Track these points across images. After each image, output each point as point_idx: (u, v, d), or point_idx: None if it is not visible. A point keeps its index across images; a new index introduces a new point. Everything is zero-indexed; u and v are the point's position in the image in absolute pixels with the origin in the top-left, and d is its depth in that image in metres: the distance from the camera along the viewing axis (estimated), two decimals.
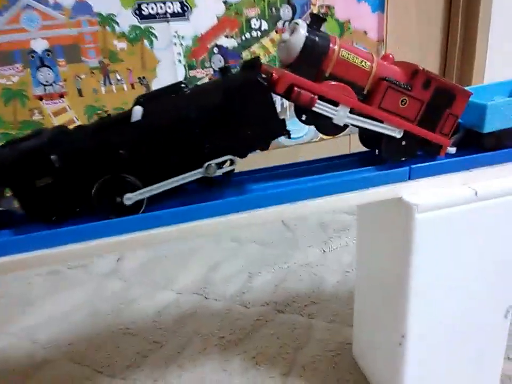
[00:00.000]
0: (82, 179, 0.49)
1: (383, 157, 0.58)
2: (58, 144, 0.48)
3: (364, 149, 0.63)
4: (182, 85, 0.51)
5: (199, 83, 1.34)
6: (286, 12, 1.38)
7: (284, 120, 0.53)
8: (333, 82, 0.52)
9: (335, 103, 0.52)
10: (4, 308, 1.11)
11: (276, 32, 1.39)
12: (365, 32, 1.51)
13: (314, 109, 0.52)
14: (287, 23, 1.39)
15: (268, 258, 1.21)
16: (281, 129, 0.52)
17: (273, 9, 1.36)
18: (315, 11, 1.41)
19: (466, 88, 0.57)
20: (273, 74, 0.51)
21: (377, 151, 0.63)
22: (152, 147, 0.49)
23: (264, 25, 1.37)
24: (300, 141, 1.46)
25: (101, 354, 0.93)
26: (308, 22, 0.52)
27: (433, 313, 0.63)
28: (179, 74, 1.32)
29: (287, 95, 0.51)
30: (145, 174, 0.50)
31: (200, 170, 0.50)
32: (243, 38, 1.36)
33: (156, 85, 1.30)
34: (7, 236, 0.50)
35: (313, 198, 0.55)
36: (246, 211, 0.53)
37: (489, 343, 0.70)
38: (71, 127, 0.53)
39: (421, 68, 0.53)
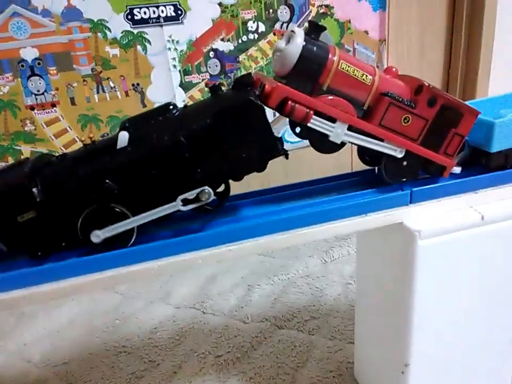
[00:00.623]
0: (67, 211, 0.46)
1: (383, 177, 0.54)
2: (40, 176, 0.45)
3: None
4: (171, 107, 0.48)
5: (189, 103, 1.31)
6: (283, 13, 1.33)
7: (280, 139, 0.50)
8: (331, 97, 0.48)
9: (332, 119, 0.49)
10: None
11: (274, 34, 1.35)
12: (366, 32, 1.47)
13: (309, 125, 0.48)
14: (285, 25, 1.35)
15: (267, 269, 1.18)
16: (278, 150, 0.49)
17: (271, 10, 1.31)
18: (314, 11, 1.36)
19: (473, 105, 0.54)
20: (266, 86, 0.47)
21: (376, 169, 0.60)
22: (140, 175, 0.46)
23: (262, 27, 1.32)
24: (299, 145, 1.42)
25: (95, 375, 0.91)
26: (306, 30, 0.49)
27: (437, 341, 0.60)
28: (174, 80, 1.28)
29: (280, 109, 0.47)
30: (134, 202, 0.47)
31: (179, 201, 0.47)
32: (240, 41, 1.31)
33: (150, 92, 1.26)
34: None
35: (307, 226, 0.51)
36: (237, 242, 0.50)
37: (494, 370, 0.66)
38: (56, 154, 0.50)
39: (426, 84, 0.50)
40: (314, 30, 0.48)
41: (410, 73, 1.60)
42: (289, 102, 0.46)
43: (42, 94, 1.17)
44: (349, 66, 0.48)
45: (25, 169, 0.45)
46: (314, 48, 0.47)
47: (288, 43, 0.47)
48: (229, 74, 1.34)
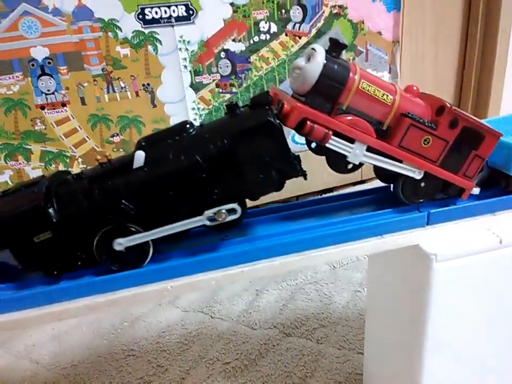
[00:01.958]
0: (83, 231, 0.46)
1: (400, 197, 0.53)
2: (56, 197, 0.45)
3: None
4: (187, 126, 0.47)
5: (199, 103, 1.29)
6: (296, 13, 1.31)
7: (298, 158, 0.49)
8: (350, 117, 0.47)
9: (351, 139, 0.48)
10: None
11: (286, 34, 1.33)
12: (379, 33, 1.44)
13: (328, 145, 0.47)
14: (297, 25, 1.33)
15: (276, 274, 1.17)
16: (296, 170, 0.48)
17: (283, 11, 1.29)
18: (327, 12, 1.34)
19: (491, 123, 0.52)
20: (285, 105, 0.46)
21: (392, 187, 0.59)
22: (156, 195, 0.46)
23: (274, 28, 1.31)
24: None
25: (103, 378, 0.91)
26: (326, 48, 0.47)
27: (451, 363, 0.59)
28: (185, 81, 1.27)
29: (299, 128, 0.46)
30: (150, 223, 0.46)
31: (205, 217, 0.46)
32: (251, 41, 1.30)
33: (161, 92, 1.26)
34: (4, 291, 0.47)
35: (322, 247, 0.51)
36: (250, 263, 0.50)
37: None
38: (73, 171, 0.49)
39: (448, 105, 0.48)
40: (335, 47, 0.46)
41: (423, 74, 1.58)
42: (308, 123, 0.45)
43: (53, 93, 1.17)
44: (370, 86, 0.47)
45: (41, 189, 0.45)
46: (335, 67, 0.46)
47: (308, 61, 0.45)
48: (239, 75, 1.33)
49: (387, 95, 0.47)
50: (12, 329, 0.48)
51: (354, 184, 1.62)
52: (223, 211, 0.46)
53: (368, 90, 0.46)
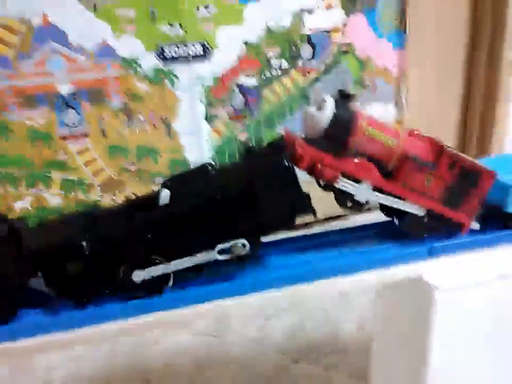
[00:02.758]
0: (111, 262, 0.50)
1: (404, 232, 0.57)
2: (89, 231, 0.49)
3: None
4: (209, 167, 0.52)
5: (213, 135, 1.35)
6: (306, 50, 1.38)
7: (309, 198, 0.53)
8: (357, 160, 0.52)
9: (358, 180, 0.52)
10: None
11: (296, 70, 1.40)
12: (385, 68, 1.51)
13: (336, 185, 0.52)
14: (307, 62, 1.40)
15: (286, 302, 1.20)
16: (307, 209, 0.52)
17: (293, 48, 1.37)
18: (335, 50, 1.41)
19: (491, 161, 0.57)
20: (298, 150, 0.51)
21: (396, 221, 0.63)
22: (179, 230, 0.50)
23: (284, 64, 1.37)
24: None
25: None
26: (336, 98, 0.52)
27: None
28: (200, 113, 1.33)
29: (310, 170, 0.51)
30: (172, 254, 0.51)
31: (224, 248, 0.51)
32: (263, 76, 1.37)
33: (177, 124, 1.32)
34: (38, 316, 0.51)
35: (330, 277, 0.55)
36: (264, 291, 0.54)
37: None
38: (102, 207, 0.54)
39: (447, 149, 0.53)
40: (343, 98, 0.51)
41: (429, 108, 1.63)
42: (319, 165, 0.50)
43: (76, 126, 1.23)
44: (375, 131, 0.51)
45: (76, 224, 0.50)
46: (344, 115, 0.50)
47: (319, 110, 0.50)
48: (252, 108, 1.39)
49: (391, 139, 0.52)
50: (43, 350, 0.52)
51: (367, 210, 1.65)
52: (239, 245, 0.50)
53: (374, 135, 0.51)
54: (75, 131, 1.24)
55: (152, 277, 0.51)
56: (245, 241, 0.50)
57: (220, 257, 0.51)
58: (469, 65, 1.60)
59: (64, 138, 1.24)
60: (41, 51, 1.16)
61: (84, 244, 0.48)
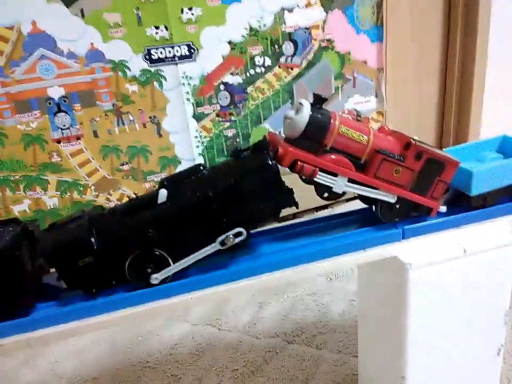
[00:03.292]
0: (117, 255, 0.55)
1: (379, 217, 0.64)
2: (96, 228, 0.55)
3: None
4: (201, 167, 0.58)
5: (201, 132, 1.41)
6: (288, 48, 1.44)
7: (292, 192, 0.59)
8: (333, 156, 0.58)
9: (334, 174, 0.58)
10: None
11: (279, 67, 1.45)
12: (365, 62, 1.57)
13: (315, 179, 0.58)
14: (289, 58, 1.45)
15: (277, 288, 1.27)
16: (290, 202, 0.58)
17: (276, 46, 1.42)
18: (316, 45, 1.47)
19: (457, 150, 0.63)
20: (280, 150, 0.56)
21: (374, 208, 0.69)
22: (177, 224, 0.56)
23: (268, 62, 1.43)
24: None
25: None
26: (311, 101, 0.58)
27: (430, 357, 0.69)
28: (188, 112, 1.38)
29: (291, 167, 0.57)
30: (171, 247, 0.56)
31: (219, 241, 0.56)
32: (248, 74, 1.42)
33: (166, 123, 1.37)
34: (54, 307, 0.57)
35: (315, 260, 0.61)
36: (256, 276, 0.60)
37: (484, 380, 0.75)
38: (106, 206, 0.59)
39: (413, 142, 0.59)
40: (318, 101, 0.57)
41: (407, 99, 1.71)
42: (299, 163, 0.56)
43: (68, 128, 1.28)
44: (347, 130, 0.57)
45: (83, 222, 0.55)
46: (319, 117, 0.56)
47: (297, 113, 0.56)
48: (238, 105, 1.44)
49: (362, 136, 0.58)
50: (60, 338, 0.57)
51: (347, 200, 1.72)
52: (231, 236, 0.56)
53: (346, 133, 0.57)
54: (68, 133, 1.28)
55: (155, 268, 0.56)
56: (242, 229, 0.56)
57: (221, 248, 0.56)
58: (445, 58, 1.67)
59: (57, 141, 1.28)
60: (32, 57, 1.20)
61: (92, 240, 0.54)
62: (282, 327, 1.12)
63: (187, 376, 1.01)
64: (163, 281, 0.57)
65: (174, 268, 0.56)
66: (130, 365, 1.07)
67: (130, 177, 1.39)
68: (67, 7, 1.18)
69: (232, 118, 1.45)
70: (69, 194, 1.34)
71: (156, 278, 0.56)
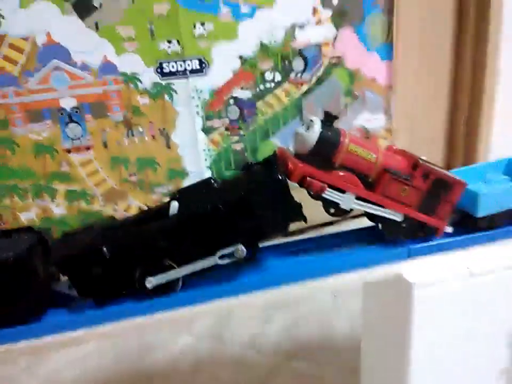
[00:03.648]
0: (128, 265, 0.56)
1: (385, 236, 0.64)
2: (108, 238, 0.56)
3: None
4: (212, 181, 0.58)
5: (210, 146, 1.42)
6: (298, 64, 1.45)
7: (301, 206, 0.59)
8: (341, 173, 0.58)
9: (343, 190, 0.59)
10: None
11: (289, 82, 1.47)
12: (374, 79, 1.58)
13: (323, 195, 0.58)
14: (299, 74, 1.47)
15: (281, 304, 1.26)
16: (299, 216, 0.59)
17: (286, 62, 1.44)
18: (326, 62, 1.48)
19: (464, 171, 0.63)
20: (289, 165, 0.57)
21: (380, 226, 0.69)
22: (187, 236, 0.56)
23: (278, 77, 1.44)
24: None
25: None
26: (322, 119, 0.59)
27: (433, 376, 0.68)
28: (197, 125, 1.40)
29: (300, 182, 0.57)
30: (181, 258, 0.57)
31: (226, 253, 0.57)
32: (257, 89, 1.44)
33: (175, 136, 1.38)
34: (63, 315, 0.58)
35: (320, 277, 0.61)
36: (262, 290, 0.60)
37: None
38: (117, 218, 0.60)
39: (421, 161, 0.59)
40: (328, 118, 0.58)
41: (416, 117, 1.71)
42: (308, 178, 0.56)
43: (79, 138, 1.29)
44: (357, 148, 0.58)
45: (96, 232, 0.56)
46: (329, 134, 0.57)
47: (307, 130, 0.57)
48: (247, 119, 1.46)
49: (371, 154, 0.58)
50: (69, 346, 0.58)
51: (354, 217, 1.71)
52: (240, 249, 0.57)
53: (356, 151, 0.58)
54: (78, 143, 1.30)
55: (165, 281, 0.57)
56: (242, 247, 0.56)
57: (220, 262, 0.57)
58: (454, 76, 1.68)
59: (68, 150, 1.30)
60: (46, 68, 1.23)
61: (104, 249, 0.54)
62: (285, 344, 1.11)
63: None
64: (168, 291, 0.57)
65: (173, 273, 0.56)
66: (131, 376, 1.06)
67: (137, 188, 1.40)
68: (82, 19, 1.20)
69: (241, 132, 1.46)
70: (76, 203, 1.36)
71: (150, 281, 0.56)
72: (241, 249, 0.57)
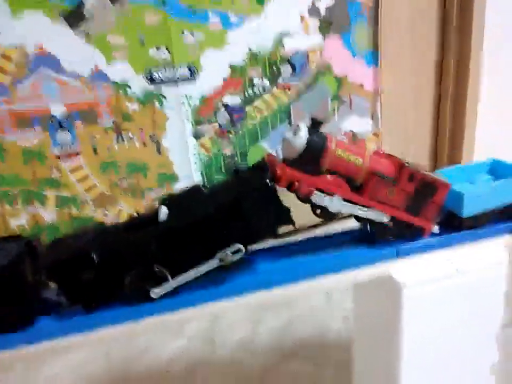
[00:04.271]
0: (118, 271, 0.56)
1: (374, 237, 0.66)
2: (99, 244, 0.56)
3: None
4: (201, 187, 0.59)
5: (200, 150, 1.43)
6: (286, 70, 1.47)
7: (289, 211, 0.60)
8: (329, 177, 0.60)
9: (330, 193, 0.60)
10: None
11: (277, 88, 1.49)
12: (361, 85, 1.61)
13: (311, 199, 0.59)
14: (287, 80, 1.49)
15: (273, 303, 1.28)
16: (287, 220, 0.60)
17: (274, 68, 1.46)
18: (313, 69, 1.51)
19: (450, 171, 0.65)
20: (278, 171, 0.58)
21: (369, 228, 0.71)
22: (177, 241, 0.57)
23: (266, 83, 1.46)
24: None
25: None
26: (308, 125, 0.60)
27: (424, 374, 0.70)
28: (187, 130, 1.41)
29: (288, 187, 0.59)
30: (171, 263, 0.58)
31: (218, 257, 0.58)
32: (246, 94, 1.45)
33: (165, 141, 1.39)
34: (52, 321, 0.58)
35: (310, 277, 0.62)
36: (252, 292, 0.61)
37: None
38: (109, 220, 0.61)
39: (406, 164, 0.61)
40: (315, 124, 0.59)
41: (402, 121, 1.74)
42: (296, 183, 0.58)
43: (69, 145, 1.29)
44: (343, 152, 0.60)
45: (86, 238, 0.57)
46: (316, 139, 0.58)
47: (295, 135, 0.58)
48: (236, 124, 1.47)
49: (358, 159, 0.60)
50: (58, 353, 0.58)
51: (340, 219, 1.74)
52: (229, 253, 0.58)
53: (342, 156, 0.59)
54: (68, 150, 1.30)
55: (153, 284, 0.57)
56: (240, 246, 0.58)
57: (220, 264, 0.58)
58: (439, 82, 1.72)
59: (57, 157, 1.30)
60: (36, 77, 1.23)
61: (94, 256, 0.55)
62: (279, 344, 1.12)
63: None
64: (162, 296, 0.58)
65: (174, 283, 0.57)
66: (125, 380, 1.06)
67: (128, 193, 1.41)
68: (72, 29, 1.21)
69: (230, 136, 1.48)
70: (67, 209, 1.35)
71: (156, 292, 0.57)
72: (230, 254, 0.58)
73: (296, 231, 1.51)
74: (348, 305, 1.24)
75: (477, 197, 0.65)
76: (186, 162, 1.45)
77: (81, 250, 0.56)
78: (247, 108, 1.48)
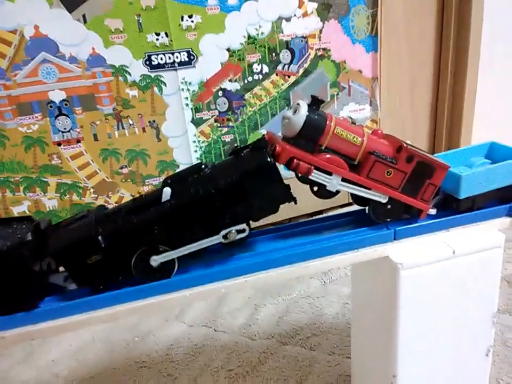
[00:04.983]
0: (123, 253, 0.57)
1: (372, 218, 0.66)
2: (103, 226, 0.57)
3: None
4: (203, 166, 0.60)
5: (199, 137, 1.44)
6: (285, 56, 1.47)
7: (289, 188, 0.61)
8: (328, 155, 0.60)
9: (329, 172, 0.61)
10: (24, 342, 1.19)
11: (276, 74, 1.48)
12: (360, 71, 1.60)
13: (310, 177, 0.60)
14: (286, 66, 1.48)
15: (272, 290, 1.29)
16: (288, 197, 0.60)
17: (273, 54, 1.45)
18: (312, 54, 1.50)
19: (449, 155, 0.66)
20: (277, 147, 0.59)
21: (366, 209, 0.71)
22: (181, 221, 0.58)
23: (265, 69, 1.46)
24: None
25: None
26: (308, 103, 0.60)
27: (420, 356, 0.71)
28: (186, 117, 1.41)
29: (288, 164, 0.59)
30: (176, 243, 0.58)
31: (221, 236, 0.59)
32: (245, 81, 1.45)
33: (165, 128, 1.39)
34: (58, 301, 0.58)
35: (310, 260, 0.63)
36: (252, 274, 0.62)
37: (473, 380, 0.77)
38: (110, 207, 0.61)
39: (405, 145, 0.62)
40: (315, 102, 0.60)
41: (401, 107, 1.74)
42: (295, 160, 0.58)
43: (69, 131, 1.30)
44: (342, 131, 0.60)
45: (90, 221, 0.57)
46: (315, 117, 0.58)
47: (294, 113, 0.58)
48: (235, 111, 1.47)
49: (356, 138, 0.60)
50: (68, 330, 0.59)
51: (341, 206, 1.74)
52: (233, 231, 0.58)
53: (341, 134, 0.60)
54: (68, 136, 1.30)
55: (162, 263, 0.58)
56: (245, 226, 0.58)
57: (224, 241, 0.58)
58: (438, 67, 1.71)
59: (58, 143, 1.30)
60: (34, 61, 1.23)
61: (100, 238, 0.56)
62: (277, 329, 1.13)
63: (182, 376, 1.02)
64: (164, 275, 0.59)
65: (174, 253, 0.58)
66: (126, 364, 1.08)
67: (129, 180, 1.41)
68: (69, 12, 1.20)
69: (230, 123, 1.48)
70: (68, 196, 1.36)
71: (155, 259, 0.57)
72: (234, 232, 0.58)
73: (294, 219, 1.52)
74: (344, 290, 1.25)
75: (474, 179, 0.65)
76: (186, 149, 1.45)
77: (87, 234, 0.56)
78: (247, 95, 1.48)
